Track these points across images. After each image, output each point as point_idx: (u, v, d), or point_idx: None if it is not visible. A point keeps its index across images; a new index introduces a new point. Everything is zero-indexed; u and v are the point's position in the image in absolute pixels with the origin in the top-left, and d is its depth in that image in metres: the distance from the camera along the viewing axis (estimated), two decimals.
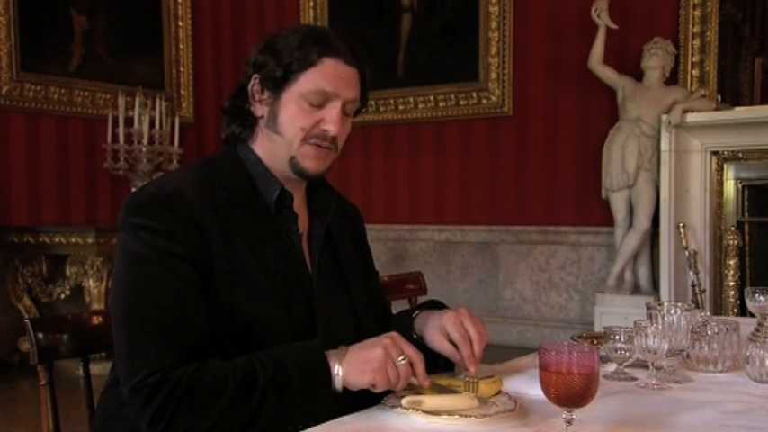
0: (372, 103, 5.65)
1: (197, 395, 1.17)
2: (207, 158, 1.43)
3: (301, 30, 1.36)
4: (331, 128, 1.33)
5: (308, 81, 1.32)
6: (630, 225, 4.58)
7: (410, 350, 1.23)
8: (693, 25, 4.58)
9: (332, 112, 1.33)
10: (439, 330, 1.37)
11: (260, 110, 1.37)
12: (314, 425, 1.20)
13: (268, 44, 1.35)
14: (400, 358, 1.21)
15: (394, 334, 1.25)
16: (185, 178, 1.33)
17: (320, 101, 1.33)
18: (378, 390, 1.22)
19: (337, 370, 1.22)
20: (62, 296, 4.63)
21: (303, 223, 1.41)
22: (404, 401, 1.21)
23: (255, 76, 1.36)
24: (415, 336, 1.42)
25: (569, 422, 1.09)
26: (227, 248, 1.26)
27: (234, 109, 1.40)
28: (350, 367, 1.22)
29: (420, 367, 1.23)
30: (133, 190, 4.72)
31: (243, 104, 1.38)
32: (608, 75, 4.62)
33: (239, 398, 1.18)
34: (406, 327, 1.43)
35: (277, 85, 1.33)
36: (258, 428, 1.20)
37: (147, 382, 1.17)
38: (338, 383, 1.22)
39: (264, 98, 1.36)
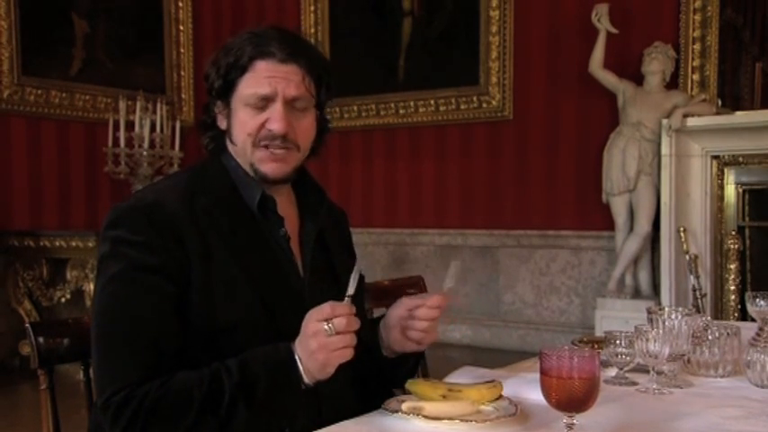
0: (373, 106, 5.67)
1: (162, 411, 1.16)
2: (192, 167, 1.44)
3: (241, 36, 1.36)
4: (275, 126, 1.32)
5: (245, 86, 1.33)
6: (631, 229, 4.58)
7: (325, 313, 1.19)
8: (694, 29, 4.58)
9: (274, 112, 1.32)
10: (391, 328, 1.39)
11: (222, 122, 1.39)
12: (289, 429, 1.20)
13: (215, 57, 1.38)
14: (326, 327, 1.18)
15: (307, 317, 1.21)
16: (167, 188, 1.34)
17: (261, 104, 1.32)
18: (344, 359, 1.20)
19: (299, 364, 1.21)
20: (63, 300, 4.63)
21: (293, 225, 1.41)
22: (404, 406, 1.21)
23: (208, 90, 1.38)
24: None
25: (570, 427, 1.09)
26: (207, 256, 1.26)
27: (203, 124, 1.42)
28: (310, 365, 1.20)
29: (346, 322, 1.19)
30: (133, 191, 4.72)
31: (208, 120, 1.40)
32: (608, 79, 4.63)
33: (206, 410, 1.17)
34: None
35: (223, 95, 1.35)
36: None
37: (113, 401, 1.18)
38: (304, 376, 1.21)
39: (222, 110, 1.37)
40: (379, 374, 1.45)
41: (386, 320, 1.42)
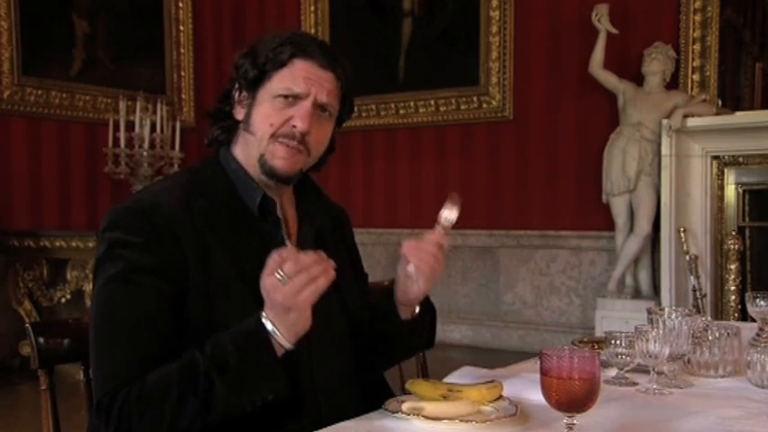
0: (373, 107, 5.67)
1: (146, 399, 1.16)
2: (190, 168, 1.44)
3: (284, 34, 1.37)
4: (299, 123, 1.32)
5: (279, 80, 1.33)
6: (631, 229, 4.58)
7: (273, 263, 1.16)
8: (694, 30, 4.58)
9: (301, 109, 1.33)
10: (398, 278, 1.38)
11: (240, 113, 1.38)
12: (273, 397, 1.19)
13: (250, 48, 1.38)
14: (278, 276, 1.15)
15: (261, 279, 1.17)
16: (165, 189, 1.33)
17: (291, 100, 1.33)
18: (314, 297, 1.17)
19: (271, 328, 1.18)
20: (63, 300, 4.63)
21: (292, 228, 1.41)
22: (405, 407, 1.21)
23: (236, 78, 1.38)
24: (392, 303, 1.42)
25: (570, 427, 1.09)
26: (205, 258, 1.25)
27: (217, 113, 1.42)
28: (284, 322, 1.17)
29: (292, 263, 1.15)
30: (133, 191, 4.72)
31: (225, 108, 1.40)
32: (609, 79, 4.63)
33: (185, 389, 1.16)
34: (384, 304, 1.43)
35: (252, 85, 1.35)
36: (220, 412, 1.17)
37: (102, 402, 1.18)
38: (282, 340, 1.18)
39: (243, 99, 1.38)
40: (395, 345, 1.45)
41: (396, 275, 1.41)
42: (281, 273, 1.15)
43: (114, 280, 1.23)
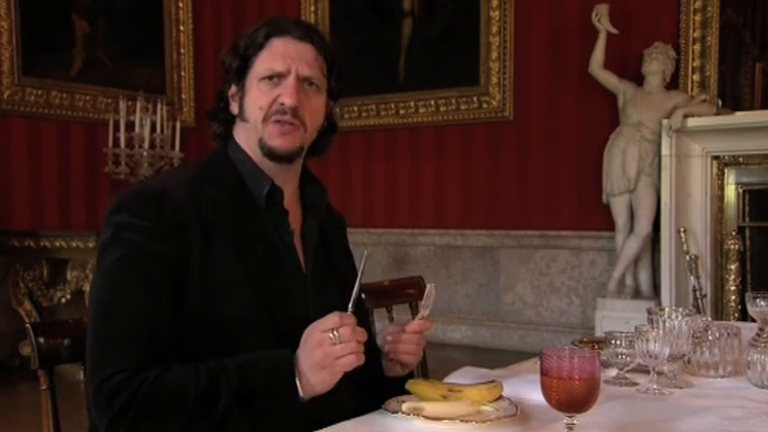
0: (374, 107, 5.67)
1: (156, 406, 1.16)
2: (199, 160, 1.45)
3: (259, 23, 1.41)
4: (286, 99, 1.33)
5: (260, 63, 1.36)
6: (631, 230, 4.58)
7: (331, 322, 1.19)
8: (694, 30, 4.58)
9: (286, 87, 1.34)
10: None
11: (234, 107, 1.41)
12: None
13: (232, 44, 1.41)
14: (331, 336, 1.18)
15: (311, 328, 1.21)
16: (174, 178, 1.35)
17: (275, 80, 1.35)
18: (349, 367, 1.20)
19: (297, 382, 1.21)
20: (63, 300, 4.63)
21: (296, 221, 1.42)
22: (405, 407, 1.21)
23: (225, 75, 1.41)
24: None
25: (570, 427, 1.09)
26: (209, 248, 1.26)
27: (214, 111, 1.44)
28: (312, 377, 1.20)
29: (350, 331, 1.20)
30: None
31: (221, 105, 1.43)
32: (609, 79, 4.63)
33: (200, 412, 1.17)
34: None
35: (239, 76, 1.38)
36: None
37: (107, 385, 1.17)
38: (299, 389, 1.21)
39: (235, 93, 1.40)
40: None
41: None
42: (336, 334, 1.18)
43: (119, 264, 1.23)
